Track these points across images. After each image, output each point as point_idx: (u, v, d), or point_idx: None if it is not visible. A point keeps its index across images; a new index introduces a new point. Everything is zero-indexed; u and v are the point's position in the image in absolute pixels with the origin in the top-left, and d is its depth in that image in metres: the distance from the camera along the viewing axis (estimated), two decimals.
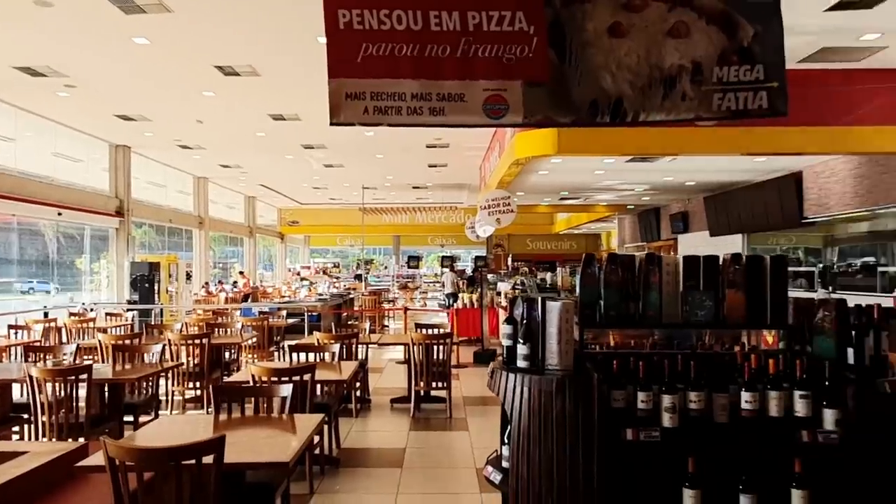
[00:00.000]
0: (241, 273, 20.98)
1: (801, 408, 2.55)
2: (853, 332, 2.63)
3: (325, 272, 26.64)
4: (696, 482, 2.54)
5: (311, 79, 9.14)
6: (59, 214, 12.98)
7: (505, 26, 3.85)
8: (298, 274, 25.76)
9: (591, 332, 4.33)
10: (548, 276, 17.55)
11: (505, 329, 3.00)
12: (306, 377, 4.41)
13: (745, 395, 2.58)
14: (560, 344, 2.75)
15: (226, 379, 6.70)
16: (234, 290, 18.07)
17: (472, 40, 3.82)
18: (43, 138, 12.98)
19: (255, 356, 8.41)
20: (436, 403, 7.16)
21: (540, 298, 2.93)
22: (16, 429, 5.00)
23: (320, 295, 15.09)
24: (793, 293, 3.04)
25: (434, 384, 6.80)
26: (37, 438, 4.49)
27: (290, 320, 10.71)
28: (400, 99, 3.84)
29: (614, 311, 2.93)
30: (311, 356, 5.74)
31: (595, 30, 3.92)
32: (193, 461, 2.55)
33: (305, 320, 10.66)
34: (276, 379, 4.29)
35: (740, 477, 2.55)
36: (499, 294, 13.39)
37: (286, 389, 3.72)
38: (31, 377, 4.43)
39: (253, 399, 3.84)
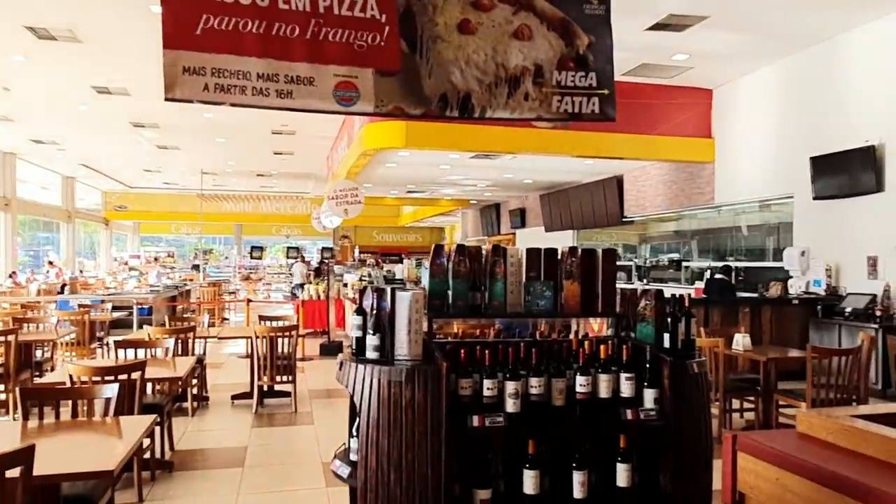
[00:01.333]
0: (50, 263, 18.77)
1: (626, 389, 2.79)
2: (668, 319, 2.92)
3: (156, 261, 24.68)
4: (536, 463, 2.69)
5: (143, 50, 8.36)
6: None
7: (356, 12, 3.78)
8: (126, 263, 23.63)
9: (439, 322, 4.44)
10: (395, 267, 17.68)
11: (354, 320, 2.95)
12: (135, 376, 4.04)
13: (580, 379, 2.76)
14: (410, 334, 2.76)
15: (37, 380, 5.97)
16: (48, 280, 16.14)
17: (323, 23, 3.71)
18: None
19: (74, 354, 7.58)
20: (280, 398, 6.93)
21: (390, 289, 2.92)
22: None
23: (152, 286, 13.95)
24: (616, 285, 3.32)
25: (278, 378, 6.57)
26: None
27: (116, 314, 9.81)
28: (245, 78, 3.63)
29: (462, 300, 2.99)
30: (142, 352, 5.28)
31: (446, 24, 3.99)
32: None
33: (135, 314, 9.80)
34: (98, 379, 3.89)
35: (574, 455, 2.74)
36: (345, 286, 13.26)
37: (111, 390, 3.38)
38: None
39: (70, 402, 3.45)
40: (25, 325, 7.19)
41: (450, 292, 3.01)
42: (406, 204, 25.38)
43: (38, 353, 6.95)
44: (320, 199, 17.98)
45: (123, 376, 3.96)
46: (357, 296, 3.14)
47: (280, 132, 14.39)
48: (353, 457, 2.80)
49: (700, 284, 10.64)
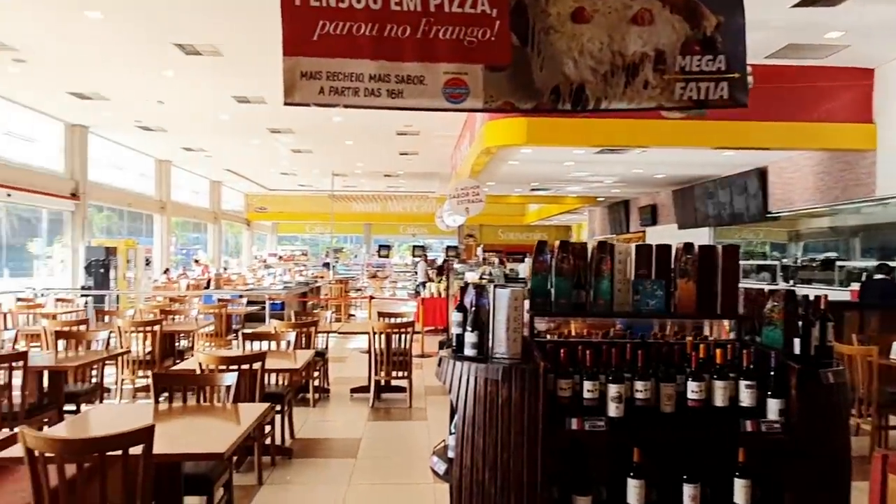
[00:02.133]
0: (196, 261, 20.56)
1: (745, 398, 2.52)
2: (800, 323, 2.61)
3: (283, 259, 26.28)
4: (641, 472, 2.50)
5: (276, 60, 8.89)
6: (9, 196, 12.51)
7: (467, 8, 3.74)
8: (264, 261, 25.39)
9: (554, 321, 4.30)
10: (518, 266, 17.55)
11: (455, 317, 2.92)
12: (255, 365, 4.28)
13: (692, 385, 2.54)
14: (508, 332, 2.68)
15: (175, 367, 6.52)
16: (196, 276, 17.71)
17: (433, 21, 3.71)
18: None
19: (212, 344, 8.21)
20: (396, 393, 7.08)
21: (491, 286, 2.85)
22: None
23: (285, 283, 14.85)
24: (754, 285, 3.02)
25: (395, 374, 6.71)
26: None
27: (251, 308, 10.51)
28: (357, 80, 3.72)
29: (565, 299, 2.86)
30: (267, 344, 5.60)
31: (559, 14, 3.84)
32: (120, 452, 2.41)
33: (267, 308, 10.46)
34: (223, 367, 4.15)
35: (685, 467, 2.52)
36: (466, 283, 13.34)
37: (230, 378, 3.59)
38: None
39: (196, 388, 3.70)
40: (171, 316, 7.88)
41: (552, 290, 2.89)
42: (531, 202, 25.13)
43: (183, 343, 7.58)
44: (444, 198, 18.25)
45: (245, 366, 4.20)
46: (459, 292, 3.10)
47: (405, 133, 14.77)
48: (450, 454, 2.76)
49: (856, 286, 9.55)
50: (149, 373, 6.49)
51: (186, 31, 8.48)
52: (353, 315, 15.88)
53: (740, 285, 2.99)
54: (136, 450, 2.46)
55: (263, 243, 32.93)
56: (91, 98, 11.97)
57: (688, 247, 2.91)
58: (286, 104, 3.82)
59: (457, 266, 16.36)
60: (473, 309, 2.80)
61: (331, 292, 15.96)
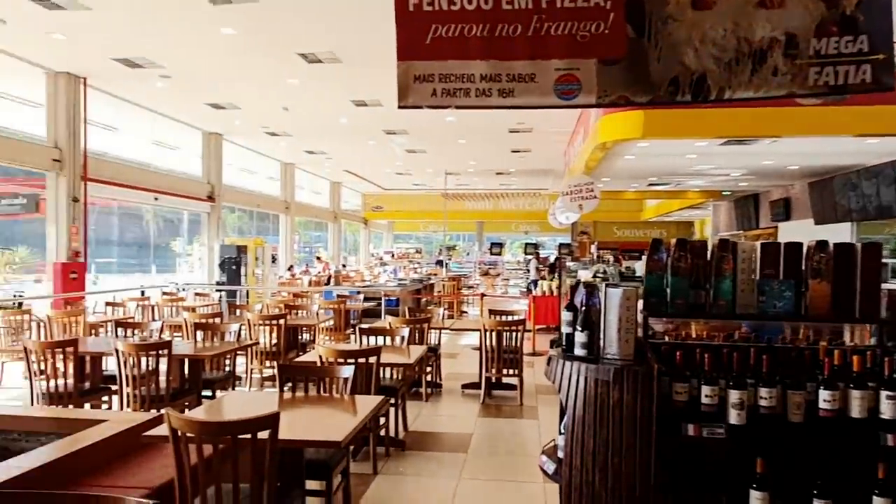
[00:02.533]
0: (318, 258, 21.62)
1: (887, 409, 2.30)
2: None
3: (405, 257, 27.00)
4: (765, 484, 2.35)
5: (392, 64, 9.16)
6: (156, 199, 13.81)
7: (580, 2, 3.68)
8: (380, 259, 26.26)
9: (671, 322, 4.13)
10: (634, 264, 16.95)
11: (564, 316, 2.89)
12: (371, 359, 4.45)
13: (824, 394, 2.35)
14: (620, 332, 2.61)
15: (298, 359, 6.91)
16: (318, 273, 18.65)
17: (545, 18, 3.68)
18: (143, 127, 13.83)
19: (331, 338, 8.62)
20: (507, 391, 7.09)
21: (603, 285, 2.79)
22: (105, 398, 5.35)
23: (400, 280, 15.30)
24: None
25: (505, 371, 6.73)
26: (122, 408, 4.79)
27: (368, 304, 10.91)
28: (469, 80, 3.77)
29: (682, 299, 2.74)
30: (382, 339, 5.80)
31: (678, 2, 3.68)
32: (249, 436, 2.61)
33: (382, 304, 10.82)
34: (340, 360, 4.35)
35: (815, 481, 2.34)
36: (577, 282, 13.08)
37: (348, 370, 3.76)
38: (117, 351, 4.71)
39: (317, 379, 3.91)
40: (294, 311, 8.35)
41: (668, 290, 2.78)
42: (648, 197, 24.18)
43: (305, 336, 8.03)
44: (557, 195, 18.01)
45: (361, 360, 4.38)
46: (569, 292, 3.06)
47: (517, 130, 14.74)
48: (559, 454, 2.74)
49: None
50: (275, 363, 6.95)
51: (309, 42, 8.95)
52: (466, 312, 16.06)
53: (885, 286, 2.72)
54: (263, 434, 2.64)
55: (380, 241, 34.08)
56: (225, 108, 12.94)
57: (821, 245, 2.70)
58: (400, 107, 3.94)
59: (570, 264, 16.08)
60: (584, 308, 2.75)
61: (444, 289, 16.23)
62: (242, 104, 12.76)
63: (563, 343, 2.85)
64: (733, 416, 2.38)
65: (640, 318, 2.80)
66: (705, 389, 2.42)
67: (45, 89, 10.70)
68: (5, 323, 7.21)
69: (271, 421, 2.63)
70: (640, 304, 2.81)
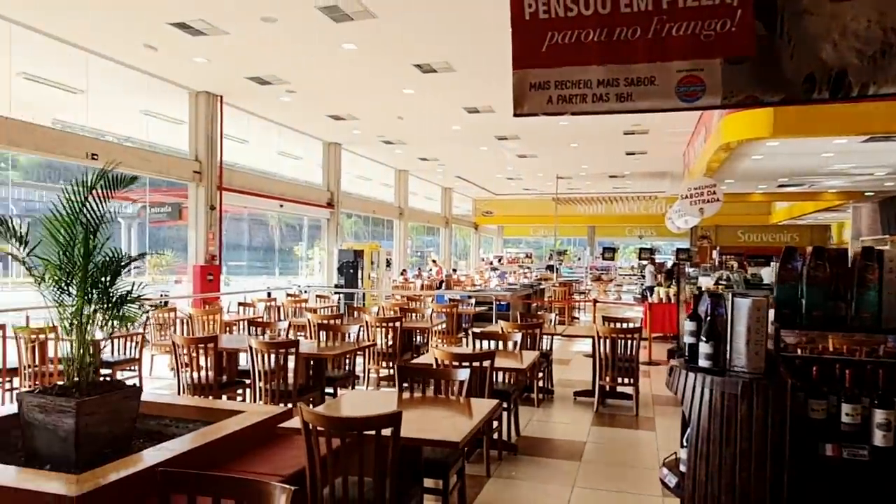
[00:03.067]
0: (433, 262, 22.06)
1: None
2: None
3: (515, 262, 26.96)
4: None
5: (505, 71, 9.22)
6: (281, 206, 14.71)
7: (704, 1, 3.57)
8: (490, 263, 26.38)
9: (806, 335, 3.88)
10: (761, 271, 15.91)
11: (687, 326, 2.80)
12: (486, 363, 4.51)
13: None
14: (749, 344, 2.49)
15: (413, 361, 7.11)
16: (429, 277, 19.05)
17: (666, 19, 3.59)
18: (269, 139, 14.79)
19: (444, 341, 8.78)
20: (622, 400, 6.91)
21: (729, 294, 2.68)
22: (239, 391, 5.78)
23: (510, 285, 15.31)
24: None
25: (620, 380, 6.57)
26: (254, 401, 5.15)
27: (479, 308, 11.02)
28: (585, 86, 3.75)
29: (819, 311, 2.57)
30: (493, 344, 5.85)
31: None
32: (374, 432, 2.74)
33: (493, 309, 10.89)
34: (456, 363, 4.44)
35: None
36: (699, 290, 12.47)
37: (464, 373, 3.84)
38: (251, 348, 5.09)
39: (433, 380, 4.02)
40: (408, 314, 8.60)
41: (803, 301, 2.62)
42: (778, 199, 22.63)
43: (418, 338, 8.24)
44: (675, 198, 17.30)
45: (476, 363, 4.45)
46: (692, 300, 2.96)
47: (632, 132, 14.34)
48: (682, 468, 2.65)
49: None
50: (390, 364, 7.20)
51: (424, 52, 9.22)
52: (577, 318, 15.79)
53: None
54: (386, 431, 2.76)
55: (490, 246, 34.26)
56: (345, 119, 13.58)
57: None
58: (515, 115, 3.98)
59: (689, 270, 15.36)
60: (708, 318, 2.65)
61: (554, 295, 16.06)
62: (360, 115, 13.33)
63: (686, 353, 2.76)
64: (878, 438, 2.21)
65: (770, 329, 2.66)
66: (846, 408, 2.26)
67: (188, 107, 11.73)
68: (154, 320, 7.98)
69: (395, 419, 2.75)
70: (771, 314, 2.67)
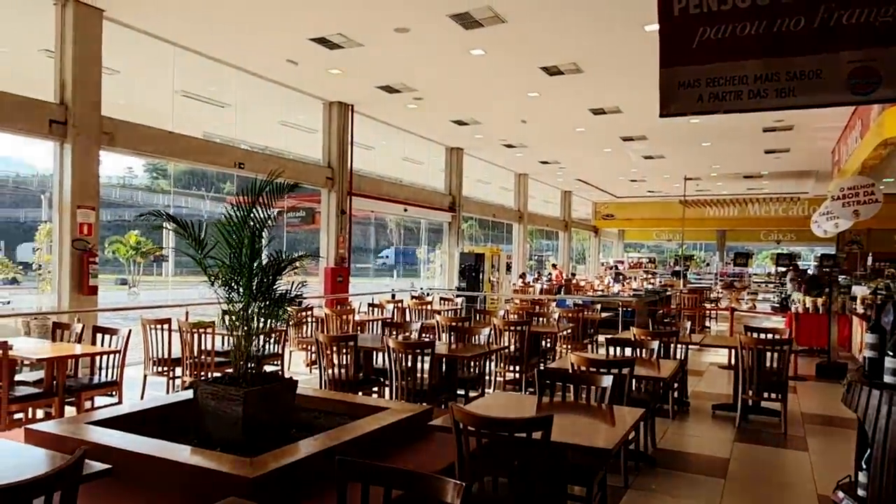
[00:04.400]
0: (553, 266, 21.79)
1: None
2: None
3: (639, 267, 26.03)
4: None
5: (635, 69, 9.00)
6: (405, 210, 15.14)
7: None
8: (613, 268, 25.65)
9: None
10: None
11: (869, 339, 2.57)
12: (624, 371, 4.38)
13: None
14: None
15: (544, 365, 7.03)
16: (549, 282, 18.83)
17: (836, 6, 3.34)
18: (394, 145, 15.29)
19: (570, 346, 8.63)
20: (766, 416, 6.47)
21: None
22: (375, 389, 6.00)
23: (635, 290, 14.80)
24: None
25: (765, 394, 6.14)
26: (390, 398, 5.32)
27: (605, 314, 10.74)
28: (741, 82, 3.57)
29: None
30: (628, 351, 5.68)
31: None
32: (524, 434, 2.74)
33: (620, 315, 10.57)
34: (594, 369, 4.35)
35: None
36: (853, 299, 11.40)
37: (607, 380, 3.75)
38: (388, 348, 5.26)
39: (572, 386, 3.96)
40: (534, 318, 8.55)
41: None
42: None
43: (544, 343, 8.15)
44: (820, 199, 15.93)
45: (615, 370, 4.33)
46: (871, 311, 2.71)
47: (773, 129, 13.42)
48: (860, 492, 2.44)
49: None
50: (517, 367, 7.18)
51: (551, 54, 9.15)
52: (708, 327, 14.97)
53: None
54: (536, 434, 2.75)
55: (609, 250, 33.35)
56: (468, 124, 13.76)
57: None
58: (662, 116, 3.85)
59: (839, 278, 14.08)
60: (894, 330, 2.42)
61: (683, 302, 15.33)
62: (483, 119, 13.45)
63: (866, 368, 2.53)
64: None
65: None
66: None
67: (322, 117, 12.39)
68: (292, 318, 8.48)
69: (546, 422, 2.73)
70: None
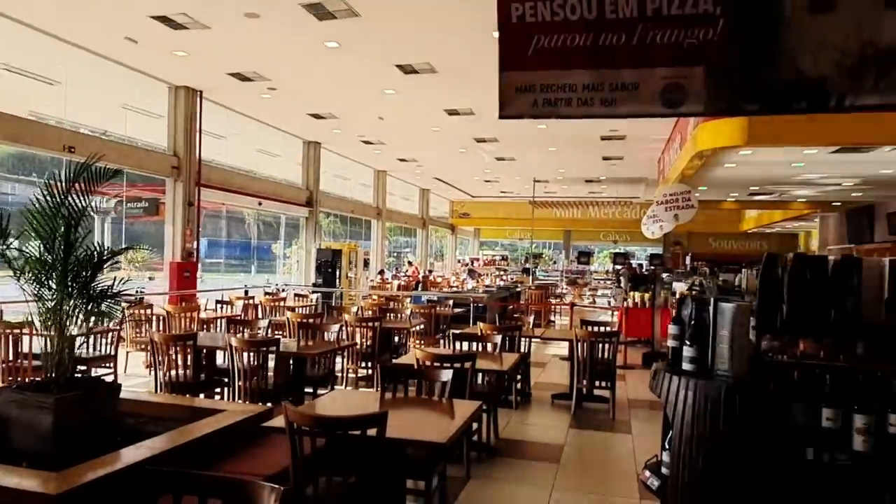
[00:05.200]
0: (409, 263, 22.05)
1: None
2: None
3: (492, 264, 27.06)
4: None
5: (486, 73, 9.27)
6: (259, 204, 14.56)
7: (687, 9, 3.61)
8: (467, 265, 26.44)
9: (796, 341, 3.95)
10: (732, 277, 16.18)
11: (671, 329, 2.84)
12: (467, 365, 4.52)
13: None
14: (732, 348, 2.55)
15: (393, 361, 7.09)
16: (406, 278, 19.02)
17: (651, 26, 3.63)
18: (248, 136, 14.64)
19: (422, 342, 8.77)
20: (598, 403, 6.98)
21: (712, 299, 2.73)
22: (217, 390, 5.71)
23: (486, 287, 15.36)
24: None
25: (597, 383, 6.63)
26: (233, 400, 5.09)
27: (457, 310, 11.03)
28: (571, 90, 3.77)
29: (798, 317, 2.64)
30: (474, 345, 5.87)
31: (794, 6, 3.56)
32: (359, 432, 2.73)
33: (471, 311, 10.91)
34: (437, 364, 4.44)
35: None
36: (673, 294, 12.65)
37: (447, 375, 3.85)
38: (231, 346, 5.03)
39: (415, 381, 4.02)
40: (387, 314, 8.59)
41: (784, 306, 2.68)
42: (748, 207, 23.10)
43: (396, 339, 8.23)
44: (650, 203, 17.52)
45: (458, 364, 4.46)
46: (673, 305, 3.00)
47: (609, 137, 14.50)
48: (664, 470, 2.69)
49: None
50: (368, 364, 7.17)
51: (407, 53, 9.21)
52: (553, 321, 15.89)
53: None
54: (371, 431, 2.75)
55: (466, 248, 34.33)
56: (325, 118, 13.51)
57: None
58: (501, 117, 3.99)
59: (664, 275, 15.54)
60: (692, 322, 2.70)
61: (531, 298, 16.15)
62: (341, 114, 13.27)
63: (669, 357, 2.80)
64: (858, 443, 2.27)
65: (752, 334, 2.72)
66: (827, 412, 2.32)
67: (167, 102, 11.55)
68: (130, 316, 7.83)
69: (381, 419, 2.74)
70: (753, 320, 2.73)
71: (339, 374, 7.26)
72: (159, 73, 10.86)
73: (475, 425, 5.04)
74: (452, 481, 4.55)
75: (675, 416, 2.57)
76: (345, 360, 7.15)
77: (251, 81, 10.74)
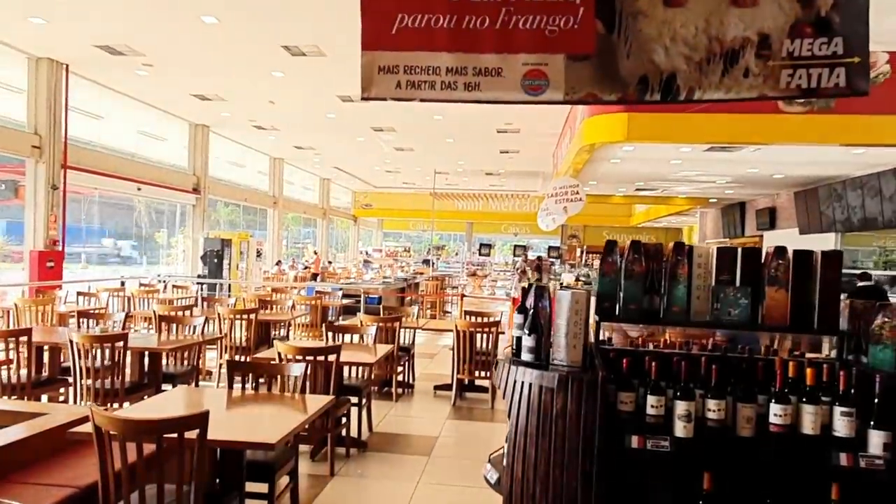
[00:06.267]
0: (315, 253, 21.52)
1: (841, 426, 2.20)
2: None
3: (393, 255, 26.90)
4: (712, 501, 2.24)
5: None
6: (139, 189, 13.62)
7: None
8: (366, 255, 26.15)
9: (648, 329, 4.02)
10: None
11: (516, 318, 2.77)
12: (331, 357, 4.33)
13: (775, 408, 2.24)
14: (568, 338, 2.50)
15: (257, 355, 6.78)
16: (305, 269, 18.50)
17: (514, 11, 3.57)
18: (129, 116, 13.65)
19: (308, 334, 8.48)
20: (480, 393, 6.98)
21: (551, 287, 2.69)
22: (62, 390, 5.20)
23: (385, 278, 15.17)
24: None
25: (478, 373, 6.62)
26: (77, 401, 4.64)
27: (346, 301, 10.79)
28: (434, 73, 3.65)
29: (635, 304, 2.64)
30: (352, 337, 5.69)
31: None
32: (175, 435, 2.48)
33: (361, 302, 10.69)
34: (299, 357, 4.23)
35: (764, 500, 2.23)
36: (562, 285, 12.99)
37: (297, 368, 3.64)
38: (71, 342, 4.57)
39: (269, 377, 3.79)
40: (271, 306, 8.21)
41: (621, 294, 2.67)
42: (636, 202, 24.17)
43: (278, 332, 7.89)
44: (544, 197, 17.90)
45: (321, 357, 4.26)
46: (521, 293, 2.94)
47: (505, 131, 14.63)
48: (504, 462, 2.62)
49: None
50: (246, 358, 6.80)
51: (293, 34, 8.81)
52: (449, 312, 15.94)
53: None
54: (191, 434, 2.51)
55: (370, 239, 33.94)
56: (211, 99, 12.78)
57: (779, 251, 2.60)
58: (363, 99, 3.79)
59: (556, 267, 15.98)
60: (532, 311, 2.64)
61: (427, 289, 16.12)
62: (228, 96, 12.61)
63: (514, 347, 2.73)
64: (679, 429, 2.27)
65: (592, 322, 2.70)
66: (650, 399, 2.31)
67: (27, 75, 10.52)
68: None
69: (199, 420, 2.50)
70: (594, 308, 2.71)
71: (215, 371, 6.88)
72: (16, 43, 9.85)
73: (344, 420, 4.86)
74: (315, 480, 4.36)
75: (513, 407, 2.50)
76: (219, 354, 6.76)
77: (123, 56, 9.95)
